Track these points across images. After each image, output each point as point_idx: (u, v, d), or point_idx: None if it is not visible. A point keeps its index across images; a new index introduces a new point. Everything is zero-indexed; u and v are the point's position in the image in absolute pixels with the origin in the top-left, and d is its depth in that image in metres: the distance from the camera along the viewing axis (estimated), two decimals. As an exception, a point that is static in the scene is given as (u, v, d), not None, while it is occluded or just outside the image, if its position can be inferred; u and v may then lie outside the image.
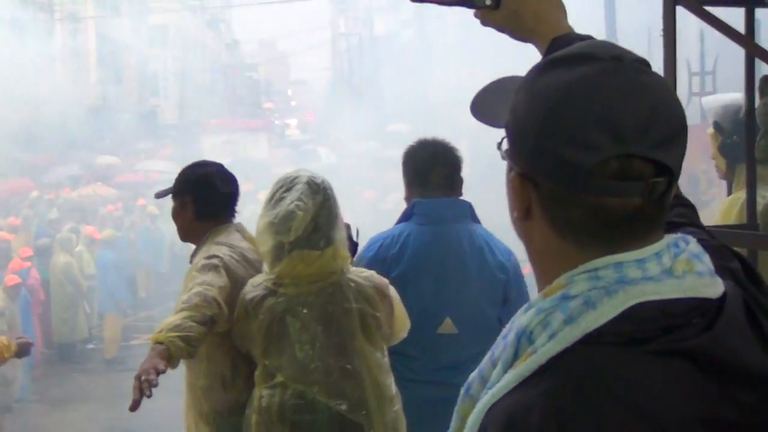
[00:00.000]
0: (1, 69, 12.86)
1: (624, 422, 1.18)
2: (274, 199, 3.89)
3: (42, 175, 21.11)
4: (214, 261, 3.94)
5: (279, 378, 3.86)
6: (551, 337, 1.24)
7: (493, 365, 1.32)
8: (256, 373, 3.94)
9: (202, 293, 3.74)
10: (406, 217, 4.46)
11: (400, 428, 3.96)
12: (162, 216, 18.39)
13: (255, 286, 3.94)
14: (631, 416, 1.19)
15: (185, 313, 3.64)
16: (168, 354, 3.49)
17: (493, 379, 1.30)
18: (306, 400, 3.84)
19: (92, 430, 11.47)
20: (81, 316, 14.72)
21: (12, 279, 11.51)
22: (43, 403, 12.55)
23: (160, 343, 3.53)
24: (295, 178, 3.95)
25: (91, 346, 15.18)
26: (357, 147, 33.10)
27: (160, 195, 4.49)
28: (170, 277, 18.52)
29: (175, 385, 11.82)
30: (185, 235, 4.36)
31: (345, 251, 3.96)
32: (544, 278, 1.34)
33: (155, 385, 3.34)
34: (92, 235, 15.34)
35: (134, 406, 3.29)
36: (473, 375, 1.37)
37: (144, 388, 3.27)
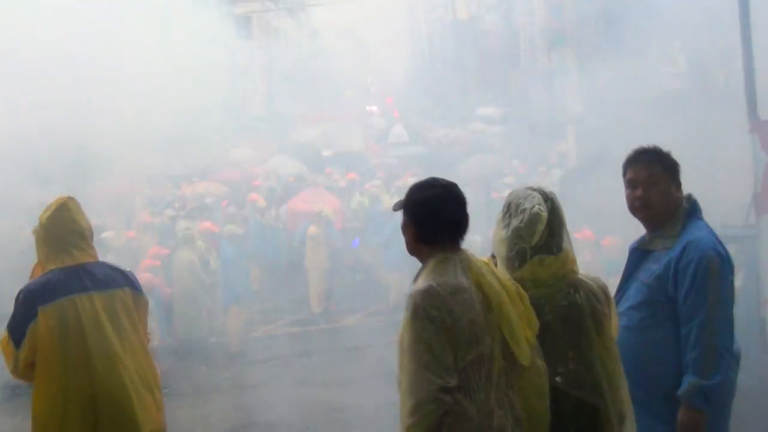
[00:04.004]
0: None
1: None
2: (512, 209, 4.39)
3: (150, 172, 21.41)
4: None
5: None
6: None
7: None
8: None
9: None
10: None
11: (628, 409, 4.43)
12: (269, 209, 18.80)
13: None
14: None
15: None
16: None
17: None
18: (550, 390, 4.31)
19: (219, 422, 11.77)
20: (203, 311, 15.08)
21: (145, 277, 11.86)
22: (171, 396, 12.86)
23: None
24: (527, 189, 4.45)
25: (213, 339, 15.49)
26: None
27: (396, 207, 4.46)
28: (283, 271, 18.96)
29: (300, 376, 12.05)
30: (410, 250, 4.36)
31: (574, 255, 4.45)
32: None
33: None
34: (211, 229, 15.67)
35: None
36: None
37: None
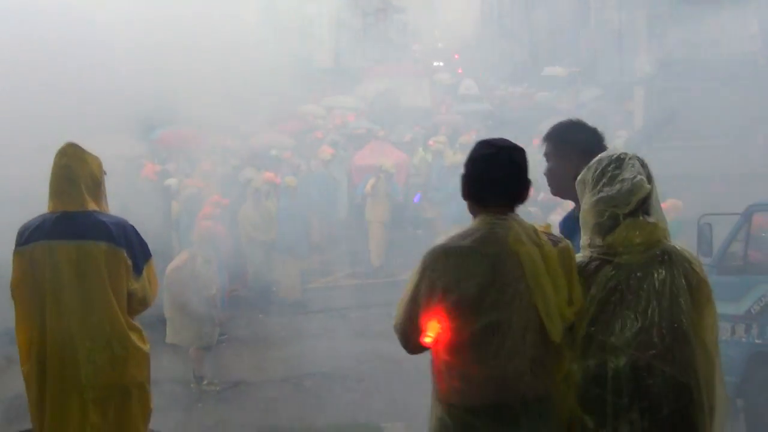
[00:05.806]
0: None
1: None
2: (608, 176, 4.13)
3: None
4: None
5: (611, 345, 4.03)
6: None
7: None
8: (571, 341, 4.08)
9: None
10: None
11: (720, 402, 4.12)
12: (333, 162, 18.82)
13: (583, 257, 4.18)
14: None
15: None
16: None
17: None
18: (641, 365, 4.00)
19: (275, 370, 11.89)
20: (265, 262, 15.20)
21: (204, 224, 11.94)
22: (231, 343, 13.06)
23: None
24: (621, 154, 4.21)
25: (273, 289, 15.62)
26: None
27: None
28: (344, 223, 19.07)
29: (356, 329, 12.11)
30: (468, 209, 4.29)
31: (665, 223, 4.19)
32: None
33: None
34: (273, 180, 15.70)
35: None
36: None
37: None
